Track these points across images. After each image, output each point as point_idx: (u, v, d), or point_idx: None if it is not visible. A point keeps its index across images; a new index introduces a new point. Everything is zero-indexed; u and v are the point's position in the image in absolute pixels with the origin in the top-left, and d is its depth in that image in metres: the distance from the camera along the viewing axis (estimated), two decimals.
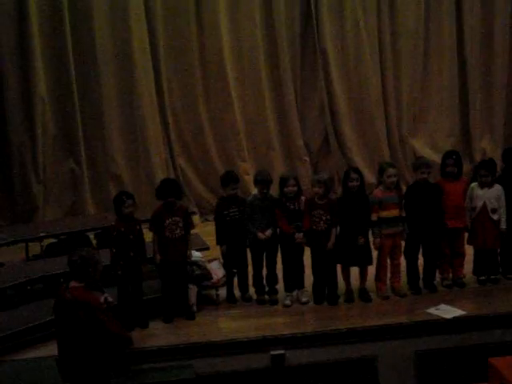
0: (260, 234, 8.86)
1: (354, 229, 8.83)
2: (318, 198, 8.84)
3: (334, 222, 8.84)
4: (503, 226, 9.17)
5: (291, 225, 8.88)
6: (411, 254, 9.16)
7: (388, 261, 9.13)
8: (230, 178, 9.01)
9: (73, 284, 6.75)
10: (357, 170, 9.05)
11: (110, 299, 7.16)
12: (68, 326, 6.69)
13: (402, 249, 9.16)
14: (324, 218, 8.82)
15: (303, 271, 9.09)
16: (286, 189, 8.84)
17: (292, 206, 8.89)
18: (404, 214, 8.98)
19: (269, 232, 8.90)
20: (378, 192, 9.05)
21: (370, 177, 12.52)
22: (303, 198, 8.97)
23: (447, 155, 9.31)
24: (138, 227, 8.56)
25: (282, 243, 8.99)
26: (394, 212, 8.95)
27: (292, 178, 8.91)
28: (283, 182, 8.88)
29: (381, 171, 9.08)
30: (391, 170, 8.96)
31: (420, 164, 9.17)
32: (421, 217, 8.98)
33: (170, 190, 8.65)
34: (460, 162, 9.29)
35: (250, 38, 12.61)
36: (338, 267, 9.02)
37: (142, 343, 8.13)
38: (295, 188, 8.85)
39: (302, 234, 8.85)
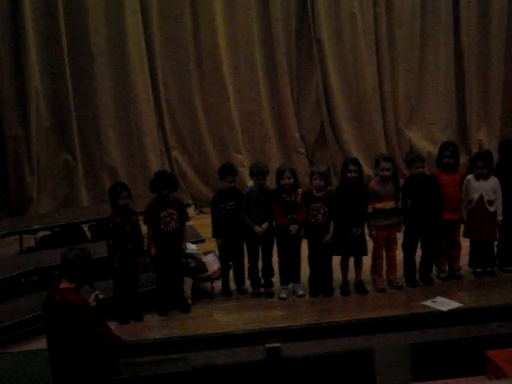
0: (257, 228, 8.83)
1: (351, 220, 8.80)
2: (317, 191, 8.80)
3: (332, 215, 8.80)
4: (500, 217, 9.15)
5: (287, 217, 8.84)
6: (409, 246, 9.14)
7: (384, 253, 9.11)
8: (227, 171, 8.97)
9: (63, 285, 6.66)
10: (355, 161, 9.00)
11: (100, 296, 7.10)
12: (56, 326, 6.63)
13: (399, 241, 9.15)
14: (322, 210, 8.79)
15: (299, 264, 9.06)
16: (281, 181, 8.81)
17: (288, 198, 8.86)
18: (400, 206, 8.96)
19: (265, 225, 8.87)
20: (373, 184, 9.02)
21: (366, 169, 12.46)
22: (300, 190, 8.94)
23: (444, 146, 9.28)
24: (134, 218, 8.53)
25: (278, 236, 8.96)
26: (390, 204, 8.93)
27: (288, 171, 8.88)
28: (279, 174, 8.85)
29: (376, 164, 9.06)
30: (384, 164, 8.94)
31: (414, 158, 9.13)
32: (419, 210, 8.96)
33: (164, 182, 8.61)
34: (457, 154, 9.26)
35: (245, 31, 12.56)
36: (335, 259, 9.00)
37: (137, 336, 8.11)
38: (291, 180, 8.81)
39: (296, 225, 8.81)
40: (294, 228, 8.82)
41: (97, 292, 7.08)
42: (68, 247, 6.94)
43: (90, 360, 6.74)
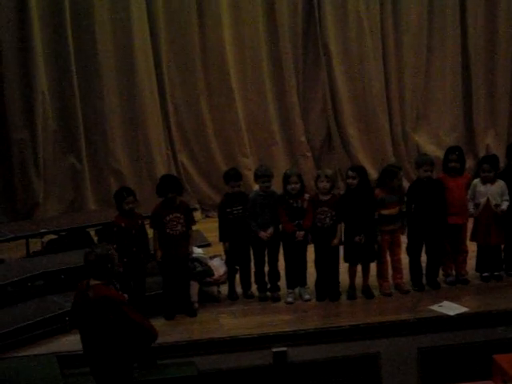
0: (262, 233, 8.82)
1: (358, 226, 8.78)
2: (323, 194, 8.80)
3: (339, 218, 8.79)
4: (503, 207, 9.08)
5: (293, 222, 8.83)
6: (414, 250, 9.14)
7: (388, 257, 9.10)
8: (230, 177, 8.98)
9: (93, 282, 6.67)
10: (355, 168, 9.07)
11: (125, 297, 7.09)
12: (93, 322, 6.63)
13: (403, 245, 9.15)
14: (329, 214, 8.78)
15: (306, 268, 9.05)
16: (288, 186, 8.80)
17: (295, 204, 8.84)
18: (404, 210, 8.96)
19: (270, 230, 8.85)
20: (379, 192, 9.02)
21: (373, 173, 12.44)
22: (307, 195, 8.92)
23: (450, 151, 9.29)
24: (139, 222, 8.53)
25: (284, 240, 8.94)
26: (395, 210, 8.95)
27: (295, 175, 8.86)
28: (286, 178, 8.84)
29: (391, 175, 8.99)
30: (401, 173, 9.10)
31: (423, 161, 9.14)
32: (424, 214, 8.95)
33: (170, 185, 8.62)
34: (463, 158, 9.28)
35: (252, 34, 12.53)
36: (342, 264, 8.98)
37: None
38: (298, 185, 8.79)
39: (302, 232, 8.80)
40: (299, 235, 8.80)
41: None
42: (91, 247, 6.95)
43: (126, 355, 6.73)
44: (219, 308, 8.98)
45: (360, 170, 8.98)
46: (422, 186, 9.05)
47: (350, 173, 8.87)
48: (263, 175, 8.90)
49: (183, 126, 12.60)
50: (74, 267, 8.79)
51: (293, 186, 8.79)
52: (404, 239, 9.18)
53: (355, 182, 8.81)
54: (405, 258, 9.22)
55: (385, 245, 9.01)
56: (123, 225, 8.42)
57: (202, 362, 8.06)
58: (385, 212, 8.91)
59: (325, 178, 8.82)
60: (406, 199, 9.04)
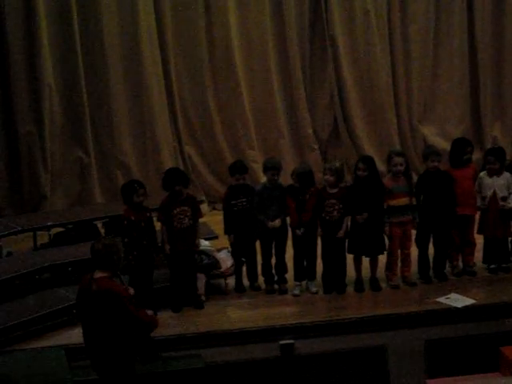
0: (270, 223, 8.82)
1: (366, 218, 8.78)
2: (330, 187, 8.79)
3: (347, 211, 8.79)
4: (510, 204, 9.08)
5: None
6: (422, 242, 9.13)
7: (398, 250, 9.08)
8: (236, 169, 8.99)
9: (98, 274, 6.68)
10: (365, 160, 9.02)
11: (131, 292, 7.11)
12: (95, 315, 6.65)
13: (413, 238, 9.12)
14: (337, 207, 8.78)
15: (315, 262, 9.03)
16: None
17: (301, 197, 8.83)
18: (415, 203, 8.94)
19: (278, 221, 8.85)
20: (386, 180, 9.02)
21: (379, 165, 12.41)
22: (312, 189, 8.90)
23: (465, 143, 9.29)
24: (148, 215, 8.53)
25: (294, 232, 8.93)
26: (404, 201, 8.92)
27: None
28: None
29: (389, 160, 9.05)
30: (397, 159, 8.94)
31: (430, 153, 9.14)
32: (432, 205, 8.94)
33: (176, 178, 8.62)
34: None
35: (258, 27, 12.54)
36: (349, 256, 8.98)
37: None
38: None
39: (302, 229, 8.79)
40: (298, 233, 8.81)
41: (126, 286, 7.10)
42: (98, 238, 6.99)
43: (128, 348, 6.76)
44: (226, 300, 9.00)
45: (370, 161, 8.96)
46: (430, 177, 9.03)
47: (361, 165, 8.85)
48: (273, 167, 8.90)
49: (190, 119, 12.61)
50: (81, 260, 8.81)
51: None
52: (413, 231, 9.17)
53: (365, 173, 8.81)
54: (413, 251, 9.20)
55: (396, 238, 8.99)
56: (133, 218, 8.41)
57: (209, 355, 8.07)
58: (393, 202, 8.89)
59: (328, 171, 8.81)
60: (415, 191, 9.03)
